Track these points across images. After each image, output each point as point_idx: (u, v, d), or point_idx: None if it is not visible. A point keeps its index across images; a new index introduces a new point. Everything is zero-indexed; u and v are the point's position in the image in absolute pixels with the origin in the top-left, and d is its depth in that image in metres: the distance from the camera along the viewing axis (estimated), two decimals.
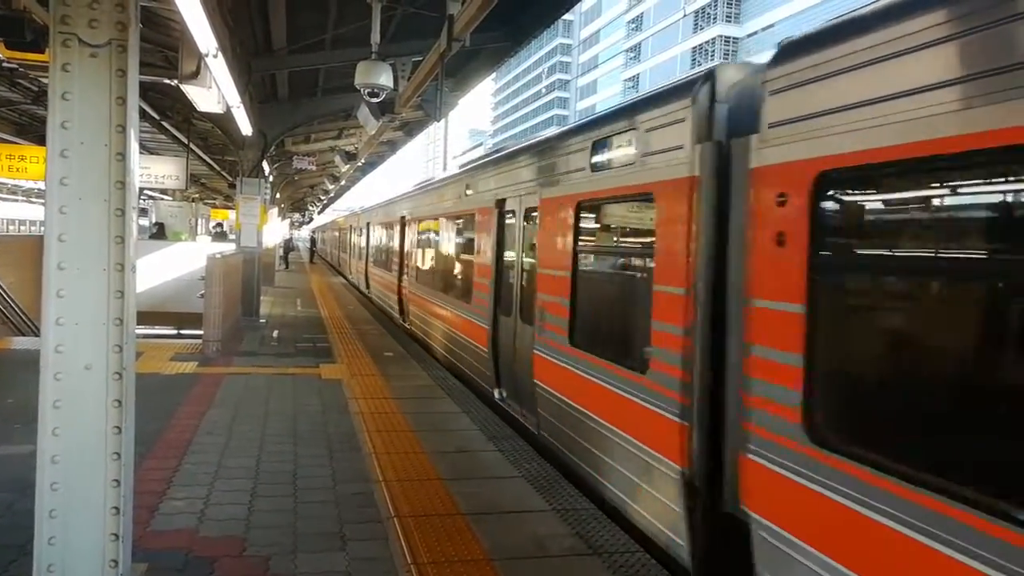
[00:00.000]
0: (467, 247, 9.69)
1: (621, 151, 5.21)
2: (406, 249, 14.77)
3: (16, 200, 41.73)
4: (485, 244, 8.61)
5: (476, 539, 4.49)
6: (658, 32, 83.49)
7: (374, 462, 5.91)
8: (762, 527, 3.53)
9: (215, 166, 23.31)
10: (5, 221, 46.24)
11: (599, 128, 5.65)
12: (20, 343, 10.79)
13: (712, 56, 75.41)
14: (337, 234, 40.55)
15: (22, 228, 46.06)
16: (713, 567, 4.12)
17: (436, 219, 11.86)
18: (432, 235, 12.32)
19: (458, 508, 4.98)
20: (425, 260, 12.84)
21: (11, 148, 14.92)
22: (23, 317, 12.09)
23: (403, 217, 15.23)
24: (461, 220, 10.12)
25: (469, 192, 9.50)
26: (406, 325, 14.43)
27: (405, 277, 14.76)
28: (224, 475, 5.52)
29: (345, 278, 30.46)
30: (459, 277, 10.21)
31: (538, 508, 5.05)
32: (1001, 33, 2.48)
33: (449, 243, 11.07)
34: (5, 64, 10.41)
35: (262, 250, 15.68)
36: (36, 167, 14.18)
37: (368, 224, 22.36)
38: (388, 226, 17.66)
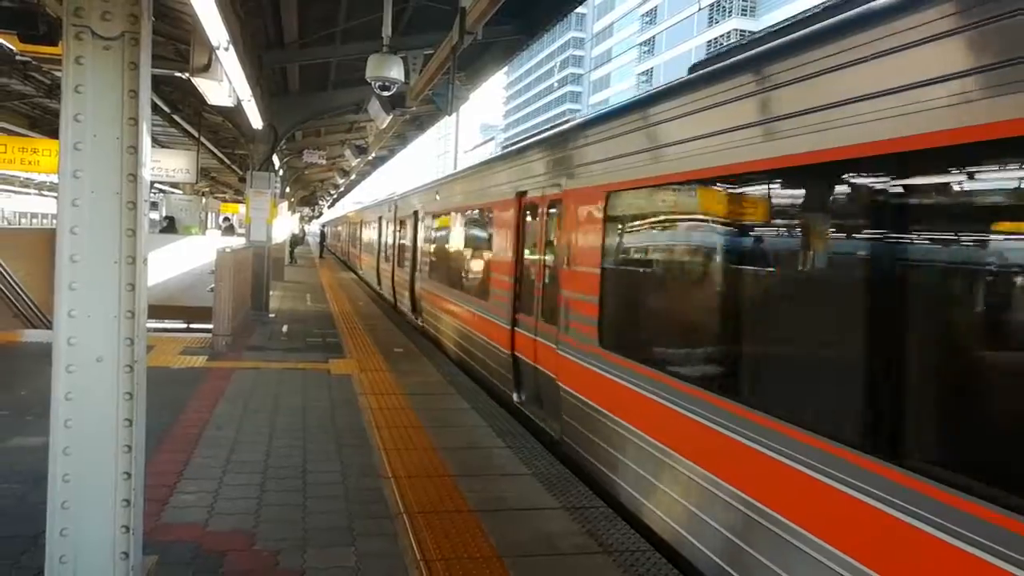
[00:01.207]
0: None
1: None
2: (539, 260, 7.58)
3: (28, 193, 42.00)
4: None
5: (485, 536, 4.47)
6: (672, 26, 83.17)
7: (383, 457, 5.90)
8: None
9: (225, 160, 23.36)
10: (17, 215, 46.58)
11: None
12: (33, 336, 10.85)
13: None
14: (355, 230, 32.26)
15: (34, 221, 46.36)
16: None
17: (671, 189, 4.87)
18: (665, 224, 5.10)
19: (467, 505, 4.97)
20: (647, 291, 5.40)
21: (24, 141, 14.97)
22: (35, 310, 12.15)
23: (522, 194, 8.20)
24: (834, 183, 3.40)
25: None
26: (544, 423, 7.20)
27: (527, 317, 7.80)
28: (234, 469, 5.53)
29: (374, 290, 22.94)
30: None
31: (548, 506, 5.03)
32: None
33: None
34: (19, 57, 10.45)
35: (272, 244, 15.67)
36: (49, 160, 14.22)
37: (416, 214, 15.30)
38: (470, 213, 10.87)
